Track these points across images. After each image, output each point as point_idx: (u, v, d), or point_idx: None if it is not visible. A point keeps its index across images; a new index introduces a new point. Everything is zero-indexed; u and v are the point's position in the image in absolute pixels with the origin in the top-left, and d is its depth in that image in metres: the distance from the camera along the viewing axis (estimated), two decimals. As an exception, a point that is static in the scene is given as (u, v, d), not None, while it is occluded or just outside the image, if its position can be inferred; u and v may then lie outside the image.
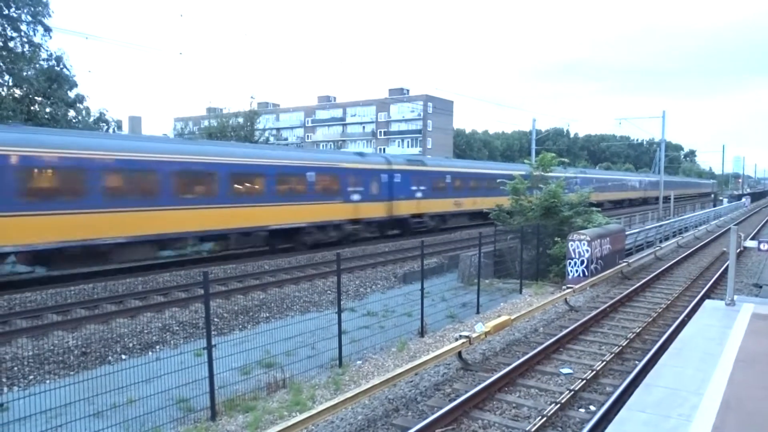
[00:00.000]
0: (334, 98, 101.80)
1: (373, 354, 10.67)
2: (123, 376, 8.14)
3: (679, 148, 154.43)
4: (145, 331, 12.03)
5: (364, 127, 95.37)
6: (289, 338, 9.79)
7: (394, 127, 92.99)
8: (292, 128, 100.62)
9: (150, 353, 10.86)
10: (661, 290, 16.23)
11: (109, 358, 10.57)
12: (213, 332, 9.21)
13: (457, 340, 9.64)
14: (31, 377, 9.53)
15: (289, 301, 15.02)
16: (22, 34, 31.56)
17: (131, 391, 7.86)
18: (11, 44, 31.07)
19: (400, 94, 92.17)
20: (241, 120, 48.73)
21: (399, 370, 8.30)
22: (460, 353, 9.72)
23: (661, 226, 28.83)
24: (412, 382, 8.96)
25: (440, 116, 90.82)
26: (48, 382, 9.23)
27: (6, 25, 30.74)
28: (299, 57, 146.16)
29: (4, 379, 9.12)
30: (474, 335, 9.77)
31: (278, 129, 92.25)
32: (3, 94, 30.13)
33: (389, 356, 10.56)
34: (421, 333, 11.98)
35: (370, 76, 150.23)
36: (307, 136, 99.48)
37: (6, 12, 30.42)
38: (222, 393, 8.06)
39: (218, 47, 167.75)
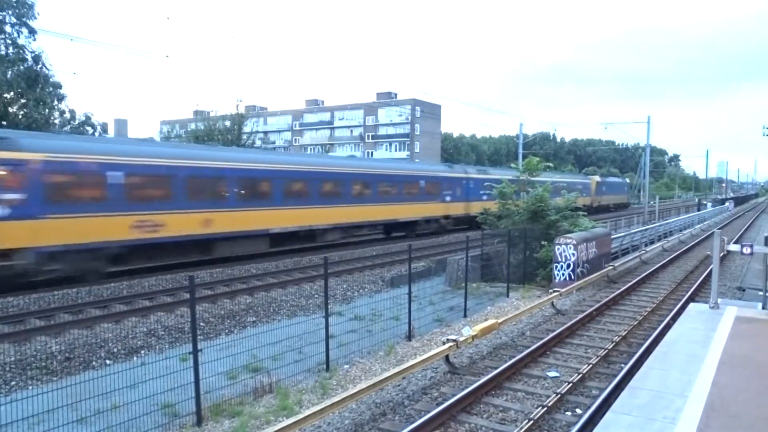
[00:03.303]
0: (322, 102, 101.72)
1: (361, 358, 10.64)
2: (107, 382, 8.04)
3: (663, 152, 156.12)
4: (130, 336, 11.90)
5: (352, 131, 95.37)
6: (276, 342, 9.72)
7: (382, 131, 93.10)
8: (279, 132, 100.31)
9: (135, 358, 10.75)
10: (647, 293, 16.38)
11: (94, 363, 10.44)
12: (199, 337, 9.15)
13: (444, 343, 9.64)
14: (13, 383, 9.39)
15: (276, 305, 14.95)
16: (6, 35, 31.19)
17: (116, 396, 7.77)
18: None
19: (387, 98, 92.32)
20: (228, 123, 48.50)
21: (386, 374, 8.28)
22: (447, 357, 9.72)
23: (646, 230, 29.11)
24: (399, 386, 8.95)
25: (428, 120, 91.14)
26: (31, 388, 9.10)
27: None
28: (287, 60, 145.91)
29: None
30: (461, 339, 9.78)
31: (266, 132, 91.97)
32: None
33: (377, 360, 10.54)
34: (409, 337, 11.97)
35: (358, 79, 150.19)
36: (295, 139, 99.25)
37: None
38: (208, 398, 7.99)
39: (205, 50, 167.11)
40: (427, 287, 16.58)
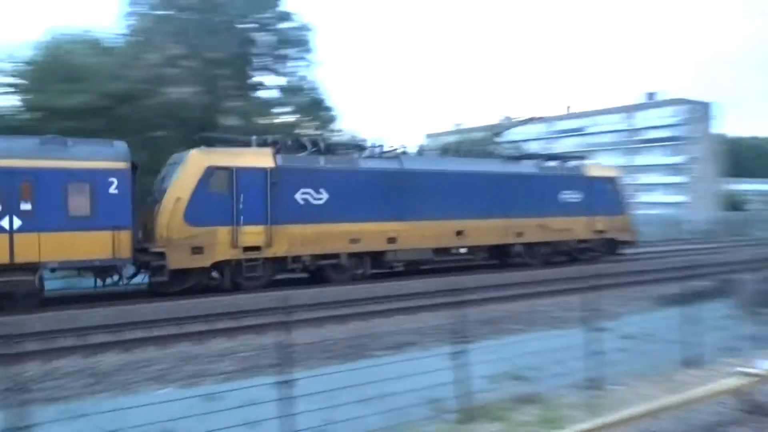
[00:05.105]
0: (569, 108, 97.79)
1: (630, 379, 9.82)
2: (380, 371, 8.82)
3: None
4: (397, 333, 12.99)
5: (608, 137, 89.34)
6: (537, 353, 9.56)
7: (646, 135, 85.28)
8: (526, 141, 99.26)
9: (404, 353, 11.62)
10: None
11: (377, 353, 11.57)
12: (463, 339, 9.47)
13: (734, 375, 8.33)
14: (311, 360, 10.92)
15: (534, 315, 14.75)
16: (288, 68, 37.18)
17: (386, 385, 8.43)
18: (284, 80, 37.11)
19: (648, 99, 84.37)
20: (481, 135, 50.28)
21: (665, 401, 7.50)
22: (739, 392, 8.36)
23: None
24: (677, 416, 7.99)
25: (701, 122, 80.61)
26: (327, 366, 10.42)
27: (277, 64, 36.57)
28: (545, 70, 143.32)
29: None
30: (762, 373, 8.31)
31: (516, 141, 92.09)
32: (276, 122, 35.74)
33: (648, 384, 9.60)
34: (687, 363, 10.64)
35: (612, 81, 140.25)
36: (547, 147, 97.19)
37: (277, 52, 36.16)
38: (470, 398, 8.20)
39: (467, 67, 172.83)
40: (710, 310, 14.52)
